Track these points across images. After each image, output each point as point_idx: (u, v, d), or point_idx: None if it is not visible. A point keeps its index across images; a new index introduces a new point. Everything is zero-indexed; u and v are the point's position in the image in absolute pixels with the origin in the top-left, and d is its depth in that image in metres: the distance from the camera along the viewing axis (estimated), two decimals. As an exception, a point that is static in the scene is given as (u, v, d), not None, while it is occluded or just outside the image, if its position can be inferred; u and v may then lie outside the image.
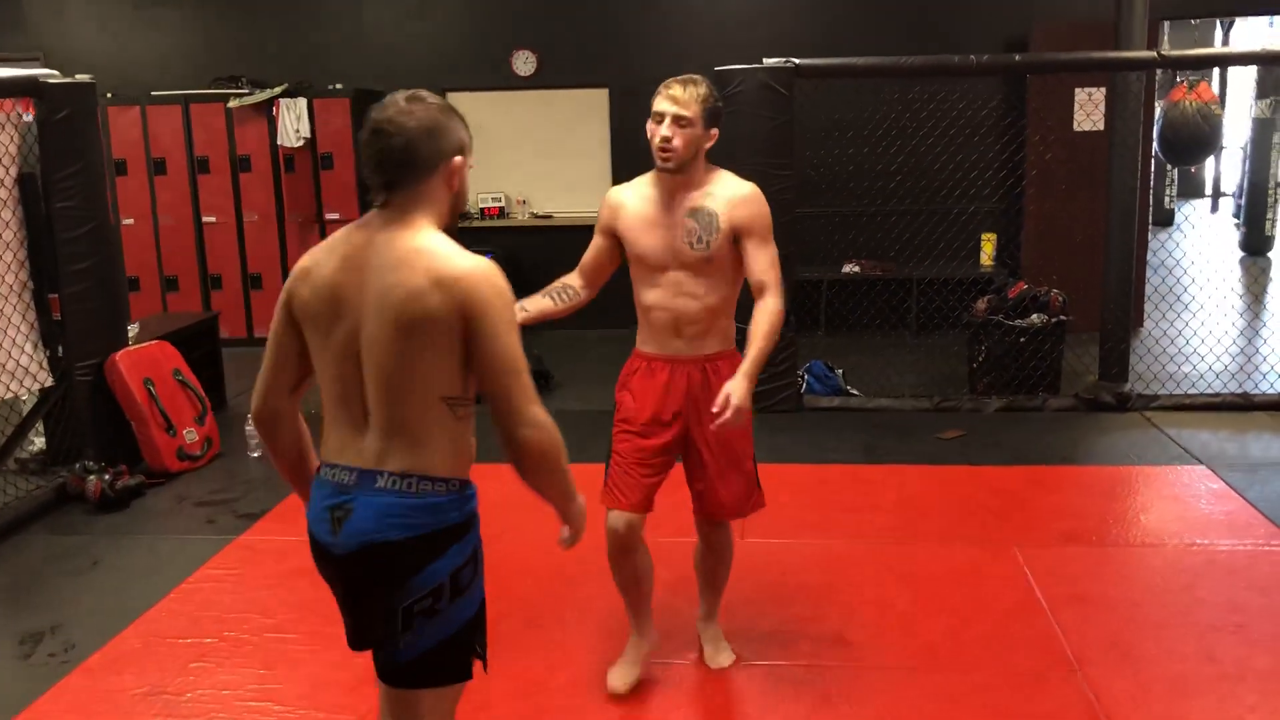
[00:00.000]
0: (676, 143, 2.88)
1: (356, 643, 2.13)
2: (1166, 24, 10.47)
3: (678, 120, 2.87)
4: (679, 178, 2.95)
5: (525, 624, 3.60)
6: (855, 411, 6.09)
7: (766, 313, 2.87)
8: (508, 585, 3.76)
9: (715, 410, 2.75)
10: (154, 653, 3.49)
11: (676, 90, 2.89)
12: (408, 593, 1.98)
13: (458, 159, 2.05)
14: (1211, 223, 13.74)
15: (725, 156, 5.75)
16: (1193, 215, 13.14)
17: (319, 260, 2.04)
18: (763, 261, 2.92)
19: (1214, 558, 4.01)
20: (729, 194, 2.96)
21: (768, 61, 5.78)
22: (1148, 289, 7.97)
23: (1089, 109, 7.49)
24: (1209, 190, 15.23)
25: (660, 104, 2.90)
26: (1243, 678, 3.17)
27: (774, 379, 5.96)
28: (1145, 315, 7.87)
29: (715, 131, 2.95)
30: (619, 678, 3.18)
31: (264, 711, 3.14)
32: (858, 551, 4.14)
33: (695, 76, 2.94)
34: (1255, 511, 4.42)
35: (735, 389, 2.74)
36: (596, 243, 3.13)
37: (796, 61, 5.75)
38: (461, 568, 2.03)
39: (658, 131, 2.90)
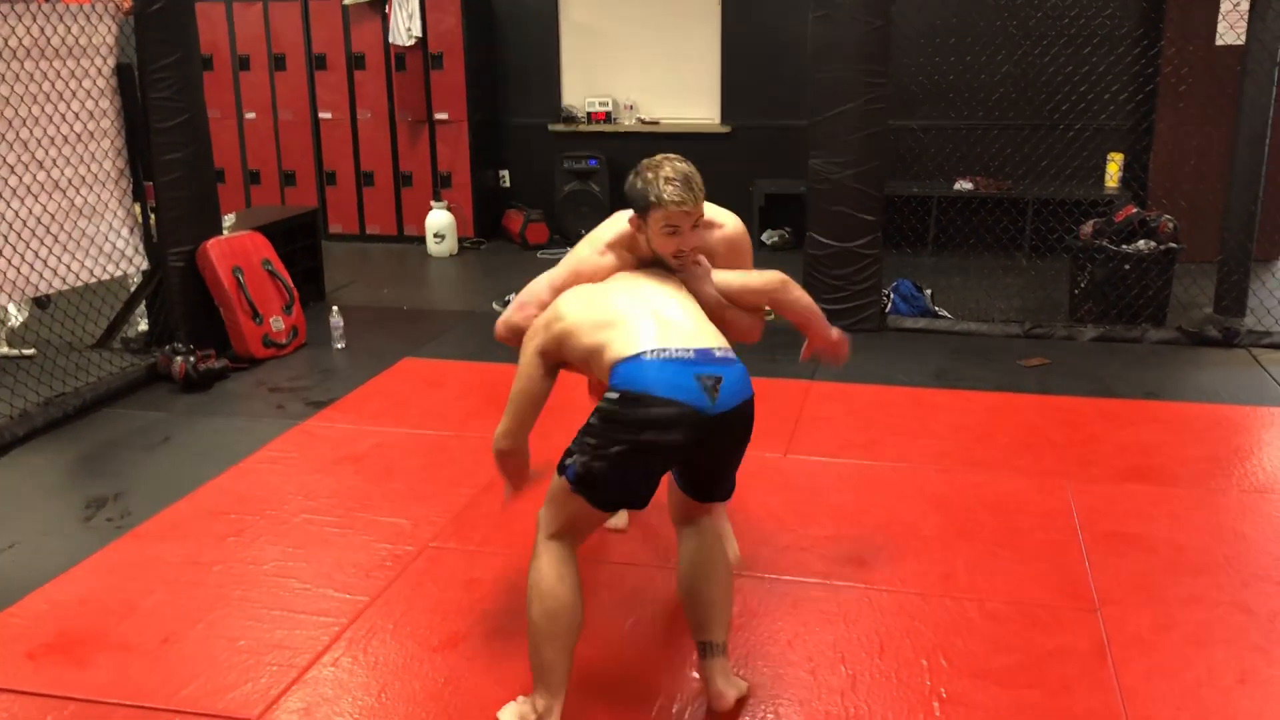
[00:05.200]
0: (696, 244, 2.73)
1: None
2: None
3: (695, 225, 2.69)
4: None
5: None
6: (940, 334, 5.89)
7: None
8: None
9: None
10: (197, 525, 3.69)
11: (685, 199, 2.59)
12: None
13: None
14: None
15: (816, 62, 5.59)
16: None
17: None
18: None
19: (1282, 506, 3.77)
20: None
21: (865, -38, 5.52)
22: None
23: (1233, 20, 6.90)
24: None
25: (672, 219, 2.62)
26: (1273, 631, 2.98)
27: (856, 296, 5.81)
28: (1285, 248, 7.35)
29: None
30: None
31: (282, 586, 3.28)
32: (897, 475, 4.03)
33: (678, 164, 2.64)
34: (1344, 461, 4.12)
35: None
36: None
37: (896, -38, 5.48)
38: None
39: (675, 244, 2.67)
